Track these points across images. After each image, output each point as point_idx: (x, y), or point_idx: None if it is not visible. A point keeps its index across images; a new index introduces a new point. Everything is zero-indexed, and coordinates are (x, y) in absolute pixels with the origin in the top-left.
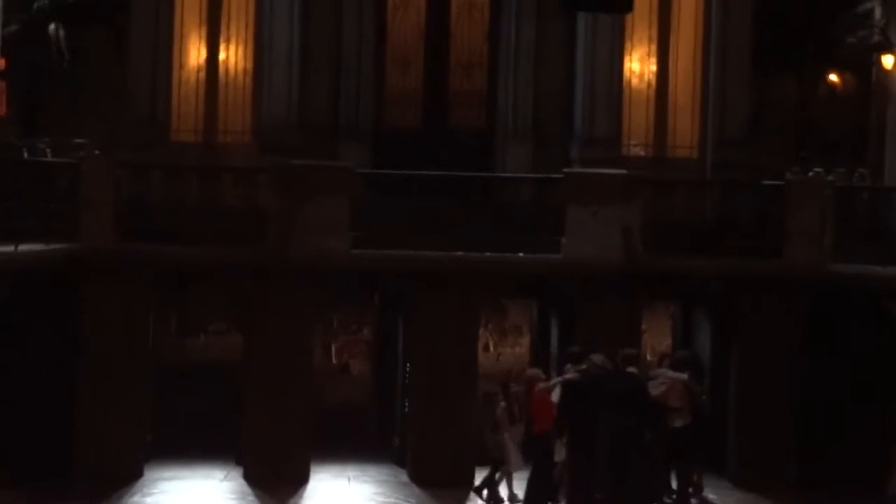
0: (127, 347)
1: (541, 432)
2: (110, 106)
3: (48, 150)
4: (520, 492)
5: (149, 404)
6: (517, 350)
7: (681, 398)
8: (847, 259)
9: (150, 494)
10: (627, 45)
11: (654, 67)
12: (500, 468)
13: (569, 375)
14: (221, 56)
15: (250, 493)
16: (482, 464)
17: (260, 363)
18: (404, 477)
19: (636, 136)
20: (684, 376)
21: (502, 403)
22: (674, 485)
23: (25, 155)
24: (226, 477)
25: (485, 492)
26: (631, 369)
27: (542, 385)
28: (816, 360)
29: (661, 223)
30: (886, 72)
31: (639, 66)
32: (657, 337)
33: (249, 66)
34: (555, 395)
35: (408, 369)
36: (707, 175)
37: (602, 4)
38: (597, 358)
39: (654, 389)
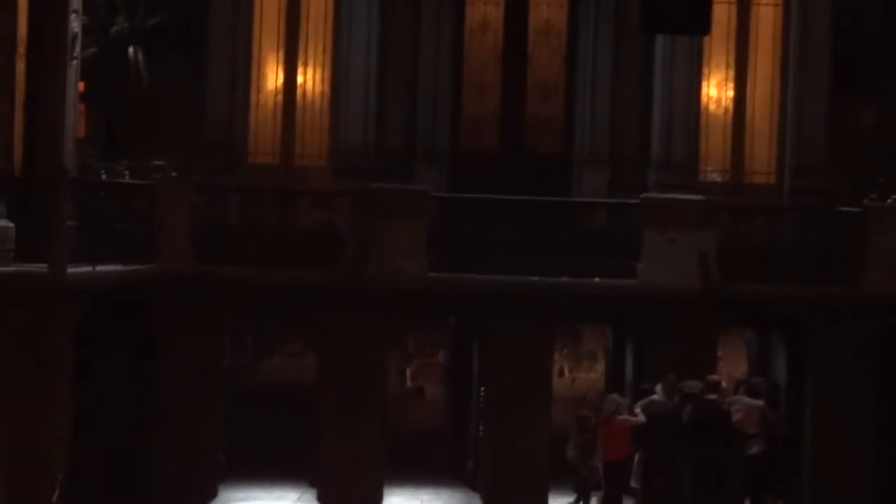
0: (203, 368)
1: (616, 459)
2: (188, 128)
3: (126, 172)
4: None
5: (224, 425)
6: (592, 375)
7: (757, 425)
8: None
9: None
10: (705, 70)
11: (731, 93)
12: (592, 492)
13: (655, 397)
14: (299, 79)
15: None
16: (558, 487)
17: (334, 385)
18: (478, 501)
19: (713, 162)
20: (761, 403)
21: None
22: None
23: (104, 176)
24: (300, 498)
25: None
26: (711, 396)
27: (623, 416)
28: (893, 387)
29: (738, 249)
30: None
31: (716, 91)
32: (733, 364)
33: (327, 89)
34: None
35: (482, 393)
36: (784, 201)
37: (680, 26)
38: (694, 384)
39: (732, 416)
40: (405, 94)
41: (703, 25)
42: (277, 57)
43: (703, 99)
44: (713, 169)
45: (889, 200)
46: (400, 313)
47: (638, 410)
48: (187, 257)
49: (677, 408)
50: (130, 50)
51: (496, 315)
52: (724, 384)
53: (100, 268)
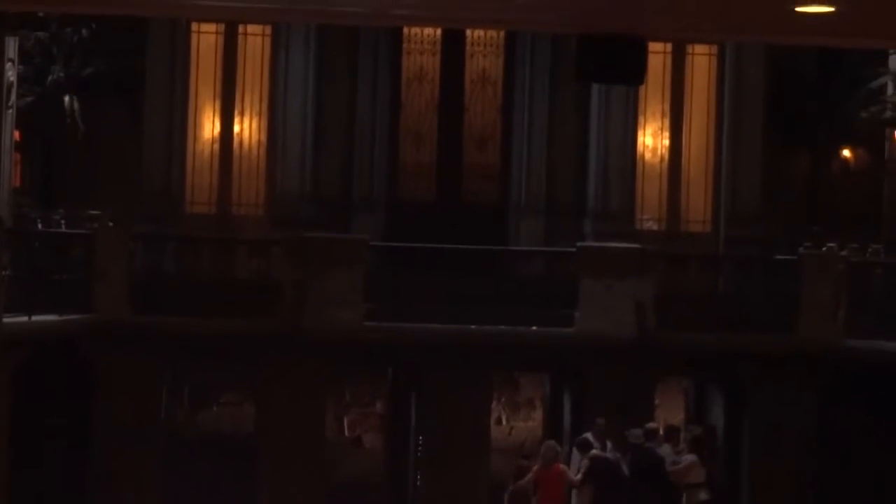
0: (140, 418)
1: None
2: (124, 178)
3: (62, 222)
4: None
5: (161, 475)
6: (530, 424)
7: (698, 474)
8: (861, 335)
9: None
10: (640, 119)
11: (667, 141)
12: None
13: (594, 452)
14: (236, 128)
15: None
16: None
17: (272, 435)
18: None
19: (649, 210)
20: (694, 457)
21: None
22: None
23: (39, 226)
24: None
25: None
26: (648, 444)
27: (562, 466)
28: (830, 434)
29: (675, 297)
30: None
31: (652, 140)
32: (670, 411)
33: (264, 138)
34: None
35: (420, 443)
36: (720, 249)
37: (615, 76)
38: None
39: (673, 466)
40: (342, 142)
41: (638, 75)
42: (214, 106)
43: (639, 147)
44: (649, 217)
45: (824, 249)
46: (337, 363)
47: (580, 463)
48: (124, 307)
49: (619, 457)
50: (66, 99)
51: (434, 364)
52: (660, 431)
53: (36, 317)
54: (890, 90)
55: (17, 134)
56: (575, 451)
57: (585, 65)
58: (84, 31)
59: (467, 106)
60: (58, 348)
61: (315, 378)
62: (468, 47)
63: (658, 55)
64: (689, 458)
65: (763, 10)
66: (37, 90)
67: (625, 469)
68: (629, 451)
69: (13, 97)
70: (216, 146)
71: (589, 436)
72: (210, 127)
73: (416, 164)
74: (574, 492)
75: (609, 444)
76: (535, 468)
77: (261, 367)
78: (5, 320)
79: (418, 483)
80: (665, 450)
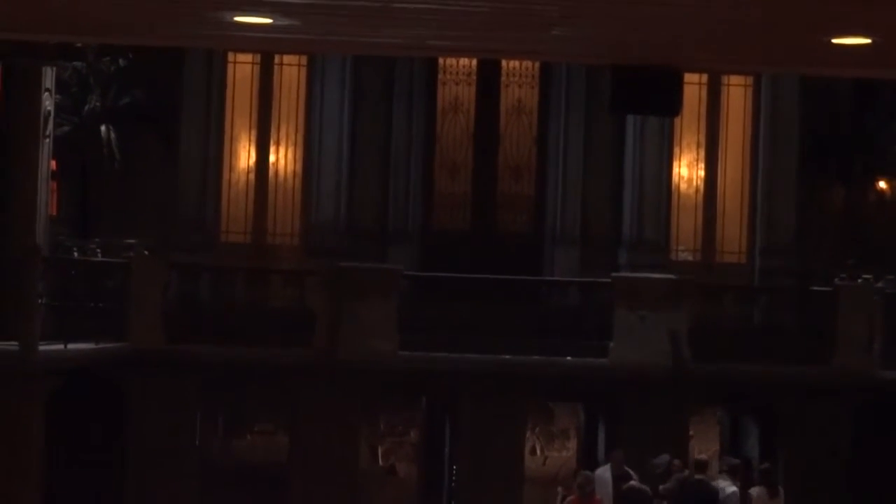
0: (173, 446)
1: None
2: (160, 207)
3: (98, 251)
4: None
5: (195, 503)
6: (564, 454)
7: None
8: None
9: None
10: (676, 150)
11: (702, 172)
12: None
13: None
14: (271, 158)
15: None
16: None
17: (306, 464)
18: None
19: (684, 241)
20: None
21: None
22: None
23: (76, 255)
24: None
25: None
26: (700, 476)
27: (600, 498)
28: (865, 466)
29: (709, 328)
30: None
31: (687, 171)
32: (705, 442)
33: (299, 168)
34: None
35: (454, 472)
36: (755, 280)
37: (650, 107)
38: (662, 460)
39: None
40: (377, 173)
41: (673, 106)
42: (250, 136)
43: (675, 178)
44: (684, 248)
45: (859, 280)
46: (371, 392)
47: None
48: (159, 335)
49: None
50: (103, 128)
51: (468, 394)
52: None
53: (71, 345)
54: None
55: (53, 163)
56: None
57: (620, 96)
58: (121, 62)
59: (502, 136)
60: (93, 376)
61: (349, 407)
62: (503, 78)
63: (693, 86)
64: (757, 490)
65: (799, 41)
66: (74, 120)
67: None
68: (682, 486)
69: (50, 127)
70: (251, 176)
71: (605, 469)
72: (245, 157)
73: (451, 194)
74: None
75: (634, 476)
76: (570, 499)
77: (295, 397)
78: (41, 348)
79: None
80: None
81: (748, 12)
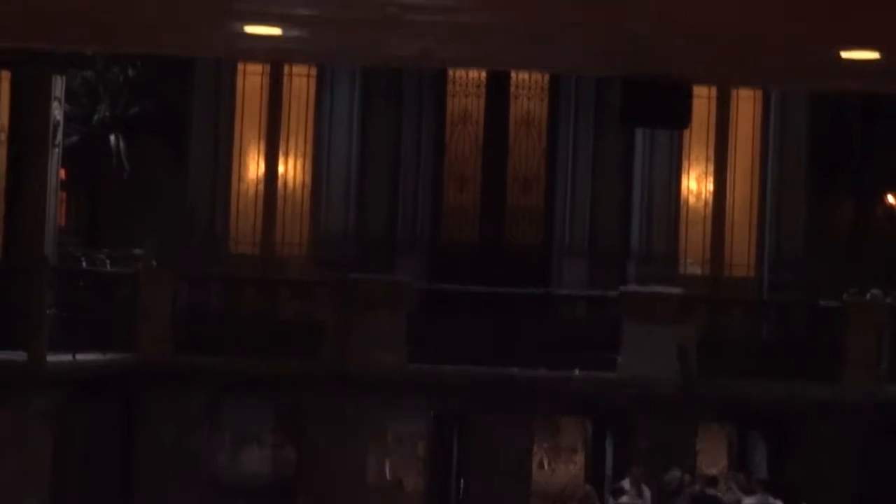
0: (181, 457)
1: None
2: (169, 217)
3: (107, 261)
4: None
5: None
6: (571, 468)
7: None
8: None
9: None
10: (685, 163)
11: (711, 186)
12: None
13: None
14: (280, 169)
15: None
16: None
17: (313, 477)
18: None
19: (693, 255)
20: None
21: None
22: None
23: (84, 265)
24: None
25: None
26: (711, 491)
27: None
28: (873, 482)
29: (717, 342)
30: None
31: (696, 184)
32: (713, 457)
33: (308, 179)
34: None
35: (462, 486)
36: (764, 295)
37: (659, 120)
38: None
39: None
40: (386, 184)
41: (682, 119)
42: (259, 146)
43: (683, 191)
44: (693, 262)
45: (868, 295)
46: (379, 405)
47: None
48: (167, 346)
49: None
50: (112, 138)
51: (476, 407)
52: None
53: (80, 356)
54: None
55: (62, 173)
56: (610, 498)
57: (629, 108)
58: (130, 71)
59: (511, 148)
60: (101, 387)
61: (357, 420)
62: (513, 90)
63: (702, 99)
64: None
65: (808, 56)
66: (83, 129)
67: None
68: (694, 501)
69: (59, 136)
70: (260, 187)
71: (625, 483)
72: (254, 167)
73: (460, 205)
74: None
75: (647, 492)
76: None
77: (303, 409)
78: (49, 359)
79: None
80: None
81: (758, 27)
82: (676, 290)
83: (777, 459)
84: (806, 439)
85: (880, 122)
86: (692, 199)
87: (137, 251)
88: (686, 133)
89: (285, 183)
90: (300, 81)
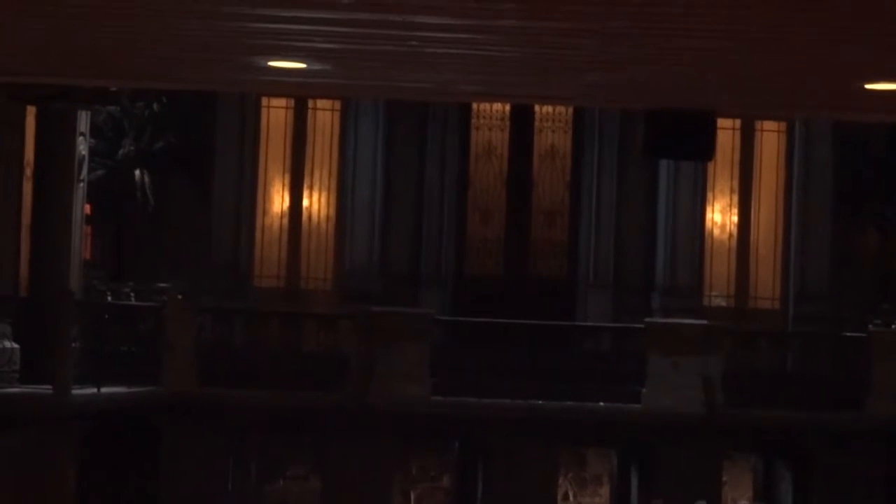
0: (206, 490)
1: None
2: (194, 251)
3: (132, 294)
4: None
5: None
6: (597, 500)
7: None
8: None
9: None
10: (709, 195)
11: (735, 218)
12: None
13: None
14: (305, 203)
15: None
16: None
17: None
18: None
19: (717, 287)
20: None
21: None
22: None
23: (109, 298)
24: None
25: None
26: None
27: None
28: None
29: (743, 374)
30: None
31: (720, 216)
32: (738, 488)
33: (332, 212)
34: None
35: None
36: (788, 326)
37: (683, 152)
38: None
39: None
40: (410, 217)
41: (707, 152)
42: (283, 180)
43: (708, 224)
44: (717, 294)
45: (893, 326)
46: (404, 437)
47: None
48: (192, 379)
49: None
50: (137, 172)
51: (500, 439)
52: None
53: (104, 389)
54: None
55: (87, 207)
56: None
57: (653, 141)
58: (155, 106)
59: (535, 181)
60: (126, 420)
61: (381, 452)
62: (537, 122)
63: (727, 131)
64: None
65: (832, 88)
66: (108, 164)
67: None
68: None
69: (84, 171)
70: (285, 220)
71: None
72: (279, 201)
73: (484, 238)
74: None
75: None
76: None
77: (328, 441)
78: (74, 392)
79: None
80: None
81: (782, 59)
82: (701, 322)
83: (803, 489)
84: (831, 469)
85: None
86: (717, 231)
87: (162, 284)
88: (710, 166)
89: (310, 216)
90: (324, 115)
